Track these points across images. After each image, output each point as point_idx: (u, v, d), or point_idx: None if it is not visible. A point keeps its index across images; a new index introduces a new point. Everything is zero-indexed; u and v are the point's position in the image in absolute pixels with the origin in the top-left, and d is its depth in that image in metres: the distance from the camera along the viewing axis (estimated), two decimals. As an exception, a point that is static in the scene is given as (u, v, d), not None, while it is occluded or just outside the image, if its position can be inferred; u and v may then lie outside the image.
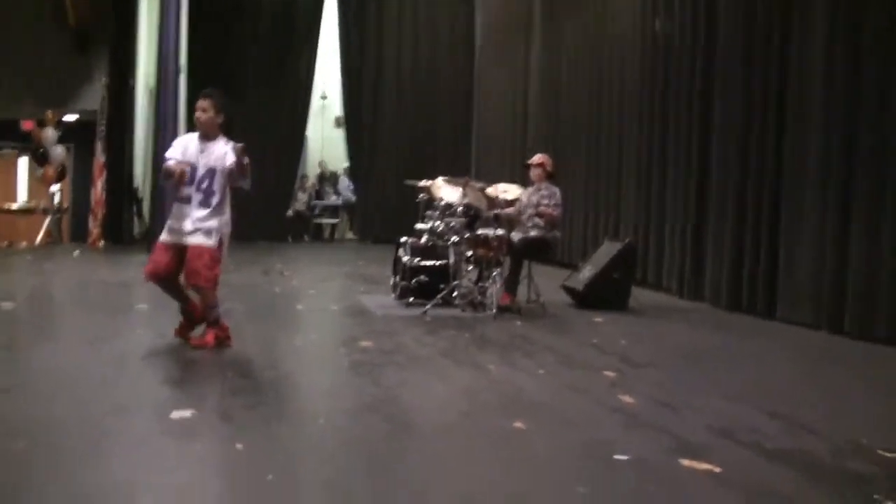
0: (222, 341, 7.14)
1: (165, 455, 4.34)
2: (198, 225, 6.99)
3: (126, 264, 14.33)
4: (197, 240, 6.97)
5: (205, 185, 7.05)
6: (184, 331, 7.40)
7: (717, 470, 4.21)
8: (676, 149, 11.92)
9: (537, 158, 10.75)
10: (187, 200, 7.06)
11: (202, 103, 7.11)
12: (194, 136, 7.19)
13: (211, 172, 7.05)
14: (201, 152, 7.08)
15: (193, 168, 7.04)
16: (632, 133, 13.27)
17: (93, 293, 11.25)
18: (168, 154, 7.20)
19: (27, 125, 19.97)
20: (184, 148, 7.14)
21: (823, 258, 8.95)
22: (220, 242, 7.05)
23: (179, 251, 7.04)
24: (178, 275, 7.16)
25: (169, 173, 7.01)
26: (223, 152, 7.06)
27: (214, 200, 7.03)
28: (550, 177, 10.65)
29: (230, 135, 7.19)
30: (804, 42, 9.43)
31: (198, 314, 7.35)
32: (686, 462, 4.33)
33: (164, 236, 7.16)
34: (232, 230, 7.25)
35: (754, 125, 10.17)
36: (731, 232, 10.48)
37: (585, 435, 4.82)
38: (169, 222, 7.17)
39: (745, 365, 7.38)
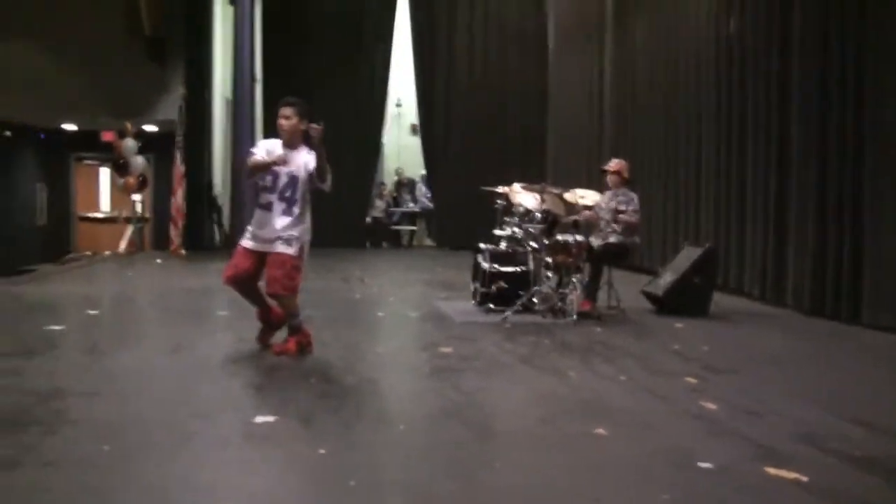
0: (304, 348, 7.22)
1: (249, 459, 4.41)
2: (280, 233, 7.09)
3: (206, 271, 14.48)
4: (278, 248, 7.08)
5: (288, 193, 7.15)
6: (265, 336, 7.52)
7: (804, 478, 4.18)
8: (755, 150, 11.79)
9: (614, 164, 10.72)
10: (269, 208, 7.17)
11: (285, 111, 7.22)
12: (277, 142, 7.29)
13: (293, 180, 7.15)
14: (284, 159, 7.18)
15: (276, 175, 7.14)
16: (709, 135, 13.13)
17: (174, 300, 11.42)
18: (252, 151, 7.36)
19: (107, 136, 20.29)
20: (267, 152, 7.25)
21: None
22: (301, 250, 7.15)
23: (260, 257, 7.16)
24: (257, 280, 7.29)
25: (256, 165, 7.13)
26: (305, 160, 7.16)
27: (296, 209, 7.14)
28: (627, 182, 10.62)
29: (310, 143, 7.27)
30: (882, 35, 9.32)
31: (276, 319, 7.47)
32: (771, 470, 4.30)
33: (245, 241, 7.28)
34: (311, 237, 7.34)
35: (832, 124, 10.04)
36: (812, 235, 10.35)
37: (668, 441, 4.81)
38: (250, 228, 7.29)
39: (830, 371, 7.31)
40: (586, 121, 18.67)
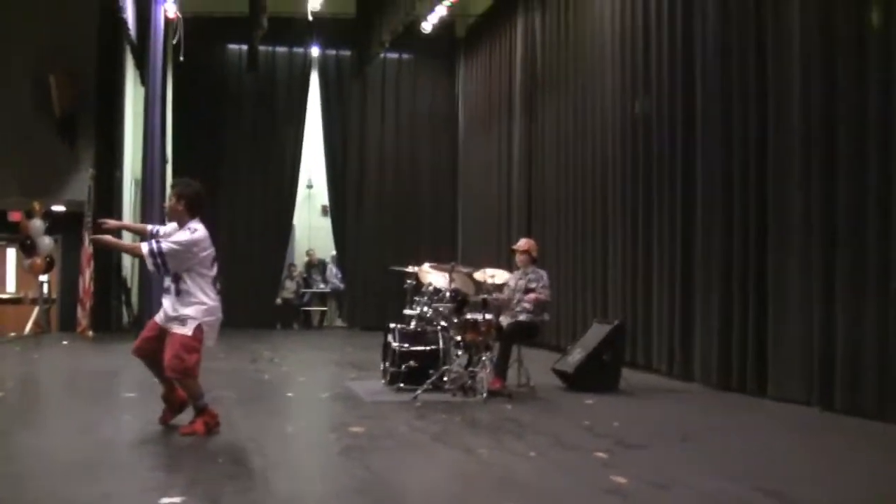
0: (211, 428, 7.12)
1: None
2: (172, 314, 7.11)
3: (114, 353, 14.24)
4: (173, 328, 7.08)
5: (173, 273, 7.15)
6: (167, 417, 7.44)
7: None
8: (660, 226, 12.01)
9: (523, 244, 10.82)
10: (167, 291, 7.20)
11: (170, 192, 7.40)
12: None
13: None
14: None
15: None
16: (616, 212, 13.34)
17: (81, 381, 11.20)
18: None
19: (15, 216, 19.94)
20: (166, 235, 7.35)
21: (811, 334, 8.99)
22: (198, 331, 7.08)
23: (164, 332, 7.15)
24: (161, 353, 7.18)
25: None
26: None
27: (183, 287, 7.11)
28: (535, 261, 10.74)
29: (200, 214, 7.28)
30: (782, 111, 9.60)
31: (179, 401, 7.42)
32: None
33: (157, 315, 7.29)
34: (220, 318, 7.28)
35: (736, 201, 10.32)
36: (718, 310, 10.52)
37: (578, 517, 4.80)
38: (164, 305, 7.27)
39: (738, 442, 7.37)
40: (496, 201, 18.89)
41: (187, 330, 7.01)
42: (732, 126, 10.42)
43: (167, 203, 7.31)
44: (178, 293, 7.08)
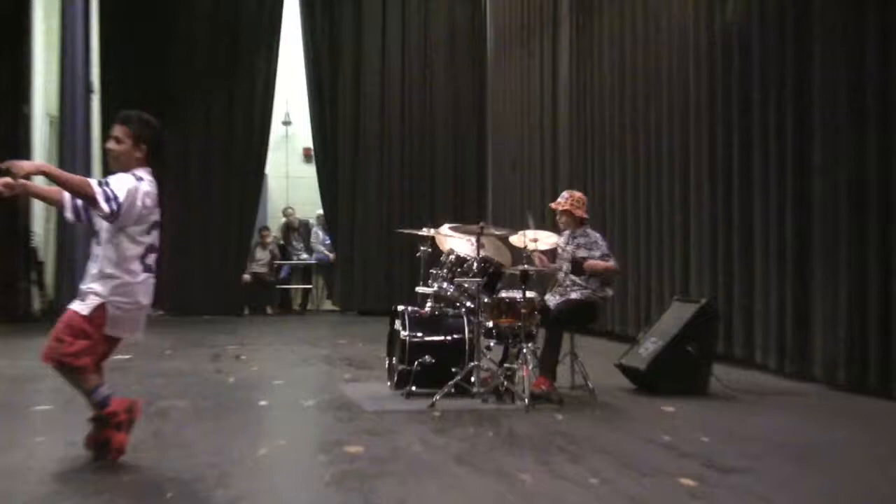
0: (131, 418, 7.05)
1: None
2: (82, 286, 7.00)
3: (22, 351, 14.22)
4: (71, 304, 6.97)
5: (99, 236, 7.02)
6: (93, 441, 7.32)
7: None
8: (764, 177, 11.80)
9: (563, 201, 10.69)
10: (91, 257, 7.10)
11: (116, 130, 7.08)
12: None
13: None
14: None
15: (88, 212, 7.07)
16: (702, 160, 13.14)
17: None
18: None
19: None
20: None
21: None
22: (99, 312, 6.87)
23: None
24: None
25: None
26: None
27: (97, 253, 6.97)
28: (584, 221, 10.61)
29: (161, 167, 7.16)
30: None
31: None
32: None
33: None
34: (142, 304, 7.15)
35: (870, 142, 10.08)
36: (847, 288, 10.37)
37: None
38: None
39: (873, 465, 7.28)
40: (536, 142, 18.79)
41: (83, 308, 6.85)
42: (866, 38, 10.21)
43: (114, 146, 7.03)
44: (96, 262, 6.94)
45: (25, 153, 19.24)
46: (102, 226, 6.90)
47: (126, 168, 7.01)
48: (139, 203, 6.85)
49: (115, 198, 6.62)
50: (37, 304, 19.89)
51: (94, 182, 6.68)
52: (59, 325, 6.85)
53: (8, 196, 6.74)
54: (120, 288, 6.91)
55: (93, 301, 6.83)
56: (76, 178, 6.65)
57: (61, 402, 9.07)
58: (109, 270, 6.88)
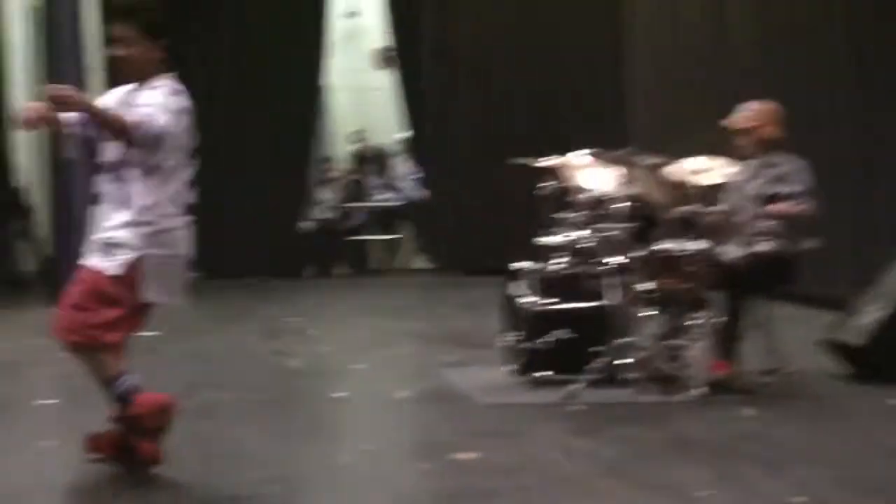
0: (164, 420, 7.01)
1: None
2: (102, 237, 6.94)
3: (14, 328, 14.43)
4: (90, 261, 6.94)
5: (119, 169, 6.98)
6: (107, 444, 7.33)
7: None
8: None
9: (748, 114, 10.50)
10: (98, 199, 7.08)
11: (116, 31, 7.01)
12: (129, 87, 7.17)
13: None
14: (126, 107, 7.00)
15: (96, 139, 7.02)
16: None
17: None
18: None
19: None
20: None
21: None
22: (133, 270, 6.85)
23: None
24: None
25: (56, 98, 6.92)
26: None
27: (123, 191, 6.93)
28: (778, 144, 10.43)
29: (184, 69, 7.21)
30: None
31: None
32: None
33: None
34: (183, 255, 7.17)
35: None
36: None
37: None
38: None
39: None
40: (700, 40, 18.59)
41: (112, 264, 6.82)
42: None
43: (123, 50, 6.92)
44: (123, 204, 6.89)
45: (3, 62, 19.56)
46: (131, 158, 6.86)
47: (145, 77, 7.03)
48: (181, 125, 6.90)
49: (154, 118, 6.66)
50: (26, 263, 20.14)
51: (142, 113, 6.70)
52: (75, 290, 6.87)
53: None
54: (158, 236, 6.88)
55: (124, 255, 6.77)
56: (104, 112, 6.73)
57: (70, 393, 9.23)
58: (143, 216, 6.84)
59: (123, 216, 6.81)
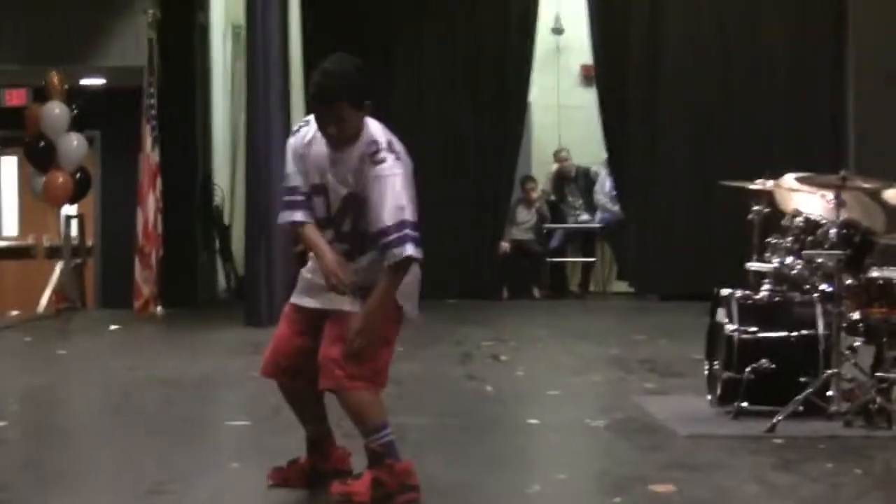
0: (390, 495, 7.17)
1: None
2: (362, 282, 7.01)
3: (205, 347, 14.59)
4: (343, 306, 7.03)
5: (346, 223, 7.10)
6: (295, 474, 7.48)
7: None
8: None
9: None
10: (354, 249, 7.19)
11: (324, 113, 6.95)
12: (311, 126, 7.19)
13: (353, 202, 7.04)
14: (334, 166, 7.08)
15: (320, 190, 7.12)
16: None
17: (146, 400, 11.49)
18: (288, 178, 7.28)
19: (14, 98, 20.62)
20: (298, 156, 7.21)
21: None
22: (401, 311, 7.07)
23: (317, 322, 7.16)
24: (306, 369, 7.26)
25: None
26: (362, 163, 6.94)
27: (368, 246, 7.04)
28: None
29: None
30: None
31: (332, 462, 7.47)
32: None
33: (294, 295, 7.33)
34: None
35: None
36: None
37: None
38: (302, 271, 7.34)
39: None
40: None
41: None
42: None
43: (336, 130, 6.84)
44: (361, 252, 7.04)
45: (203, 80, 19.83)
46: (359, 206, 6.92)
47: (357, 136, 7.02)
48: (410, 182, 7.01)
49: (405, 229, 6.77)
50: (223, 284, 20.41)
51: (389, 267, 6.80)
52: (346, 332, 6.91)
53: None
54: (413, 279, 7.10)
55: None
56: (381, 293, 6.83)
57: (261, 416, 9.39)
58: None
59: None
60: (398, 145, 6.97)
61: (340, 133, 6.88)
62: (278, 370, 7.17)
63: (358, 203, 6.93)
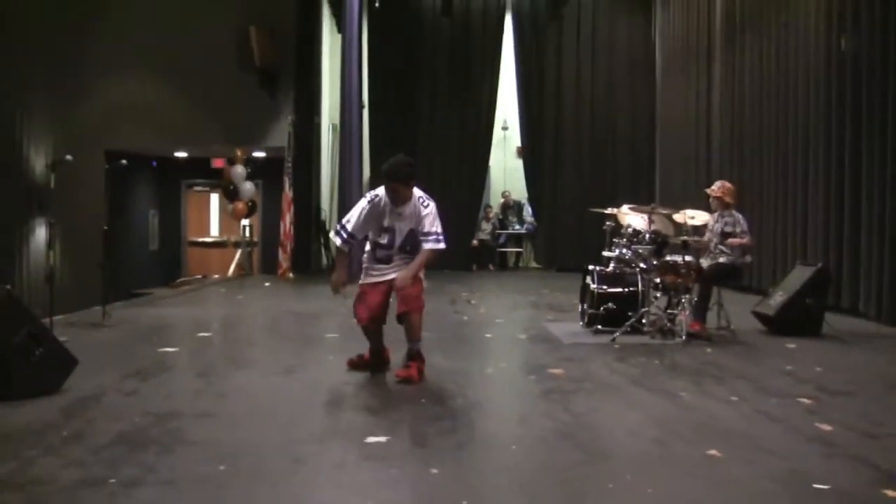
0: (422, 371, 7.30)
1: (362, 480, 4.46)
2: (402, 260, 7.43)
3: (314, 294, 14.63)
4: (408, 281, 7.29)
5: (408, 248, 7.38)
6: (361, 363, 7.68)
7: (925, 500, 4.10)
8: (869, 167, 11.49)
9: (716, 189, 10.59)
10: (387, 261, 7.44)
11: (393, 186, 7.27)
12: (381, 195, 7.38)
13: (412, 234, 7.35)
14: (398, 217, 7.33)
15: (392, 232, 7.35)
16: (820, 152, 12.82)
17: (284, 323, 11.59)
18: (347, 223, 7.47)
19: (218, 163, 20.77)
20: (370, 201, 7.39)
21: None
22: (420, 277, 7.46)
23: (387, 289, 7.38)
24: (384, 317, 7.48)
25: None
26: (415, 210, 7.32)
27: (396, 256, 7.46)
28: (729, 206, 10.49)
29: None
30: None
31: (383, 359, 7.69)
32: (890, 493, 4.22)
33: (365, 279, 7.49)
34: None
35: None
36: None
37: (782, 464, 4.75)
38: (367, 267, 7.55)
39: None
40: (694, 142, 18.47)
41: (423, 279, 7.46)
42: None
43: (400, 196, 7.26)
44: (406, 252, 7.40)
45: (317, 153, 19.90)
46: (414, 236, 7.37)
47: (409, 198, 7.32)
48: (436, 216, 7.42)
49: (441, 235, 7.34)
50: (324, 261, 20.43)
51: (429, 246, 7.30)
52: (417, 290, 7.32)
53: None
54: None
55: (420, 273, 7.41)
56: (421, 260, 7.30)
57: (345, 331, 9.41)
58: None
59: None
60: (429, 198, 7.37)
61: (396, 197, 7.22)
62: (371, 321, 7.35)
63: (415, 234, 7.30)
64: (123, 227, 20.12)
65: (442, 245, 7.30)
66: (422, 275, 7.38)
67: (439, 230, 7.30)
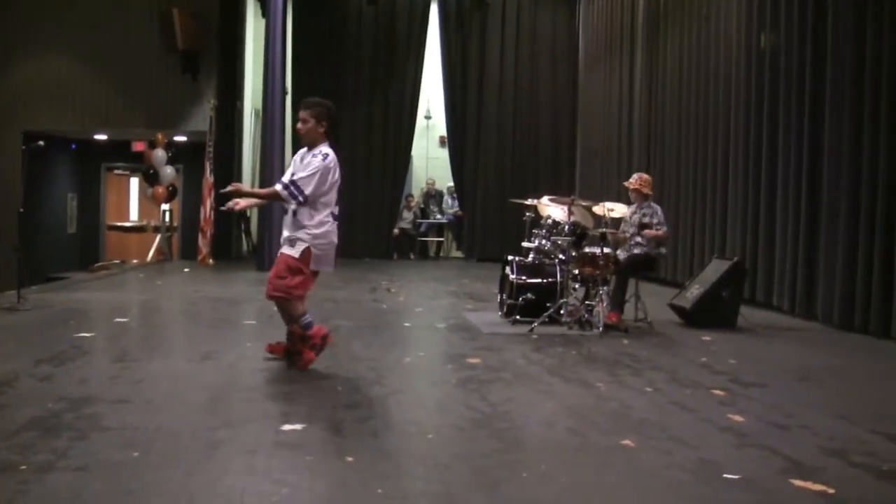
0: (324, 343, 7.17)
1: (276, 467, 4.43)
2: (287, 235, 7.08)
3: (234, 281, 14.55)
4: (282, 249, 7.08)
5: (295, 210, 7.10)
6: (277, 349, 7.51)
7: (830, 491, 4.17)
8: (785, 163, 11.68)
9: (634, 181, 10.70)
10: (286, 212, 7.18)
11: (302, 113, 7.16)
12: (304, 150, 7.25)
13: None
14: (301, 162, 7.15)
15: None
16: (738, 148, 13.02)
17: (202, 308, 11.42)
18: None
19: (138, 146, 20.49)
20: (293, 163, 7.26)
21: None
22: (305, 254, 6.98)
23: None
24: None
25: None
26: (311, 161, 7.04)
27: (298, 211, 7.02)
28: (648, 197, 10.60)
29: (336, 140, 7.29)
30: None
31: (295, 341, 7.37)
32: (798, 482, 4.29)
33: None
34: (333, 243, 7.15)
35: (865, 137, 9.94)
36: (843, 248, 10.24)
37: (694, 453, 4.80)
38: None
39: (859, 385, 7.26)
40: (615, 135, 18.61)
41: (294, 251, 6.94)
42: (865, 64, 10.04)
43: (301, 126, 7.11)
44: (294, 216, 7.00)
45: (239, 139, 19.76)
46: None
47: (314, 143, 7.10)
48: (329, 179, 6.97)
49: (301, 191, 6.85)
50: (244, 247, 20.35)
51: (279, 187, 6.99)
52: (278, 266, 6.99)
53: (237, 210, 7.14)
54: (318, 235, 6.97)
55: (301, 245, 6.93)
56: (264, 191, 7.41)
57: (263, 318, 9.39)
58: (310, 223, 6.95)
59: (299, 224, 6.94)
60: (331, 158, 7.03)
61: (308, 131, 7.11)
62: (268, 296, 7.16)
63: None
64: (41, 210, 19.79)
65: (286, 194, 6.92)
66: (293, 252, 6.97)
67: (304, 187, 6.88)
